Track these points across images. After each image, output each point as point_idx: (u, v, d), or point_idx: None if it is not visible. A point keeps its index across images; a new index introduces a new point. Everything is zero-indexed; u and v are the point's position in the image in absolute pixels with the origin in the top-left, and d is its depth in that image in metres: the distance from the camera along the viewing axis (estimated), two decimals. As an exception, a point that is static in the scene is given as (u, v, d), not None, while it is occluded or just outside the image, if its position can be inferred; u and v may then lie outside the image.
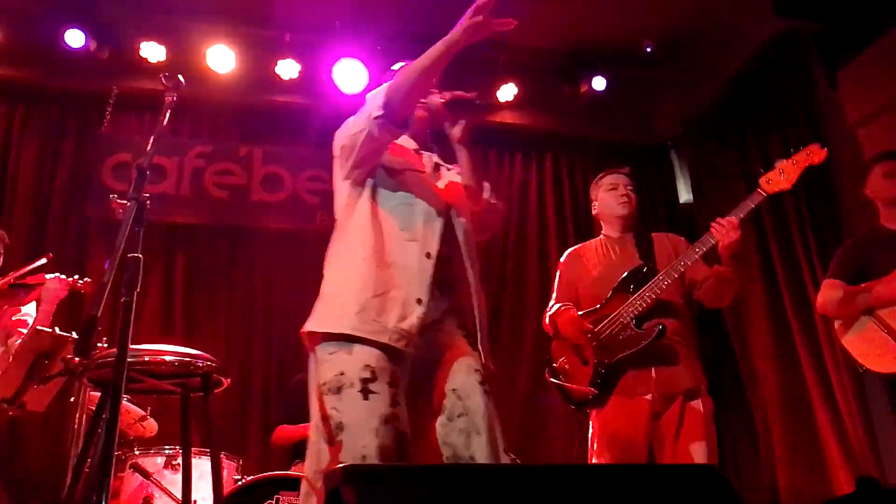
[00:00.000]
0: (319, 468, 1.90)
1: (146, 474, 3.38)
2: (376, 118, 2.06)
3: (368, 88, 2.35)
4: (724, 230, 2.78)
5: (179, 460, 3.30)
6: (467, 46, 1.99)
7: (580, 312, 3.01)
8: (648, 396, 2.83)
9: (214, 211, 5.41)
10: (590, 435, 2.98)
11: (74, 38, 4.95)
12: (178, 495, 3.20)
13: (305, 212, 5.36)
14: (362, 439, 1.84)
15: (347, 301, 2.01)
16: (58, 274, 3.51)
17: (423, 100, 2.26)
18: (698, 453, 2.76)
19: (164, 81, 2.05)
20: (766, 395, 4.92)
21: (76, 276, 3.55)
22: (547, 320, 3.12)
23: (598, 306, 2.99)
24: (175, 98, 2.06)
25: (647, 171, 5.93)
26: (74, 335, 3.15)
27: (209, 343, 4.70)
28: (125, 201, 1.81)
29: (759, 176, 2.87)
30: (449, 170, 2.40)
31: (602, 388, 2.87)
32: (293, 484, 3.28)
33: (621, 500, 1.36)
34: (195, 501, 3.22)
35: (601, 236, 3.25)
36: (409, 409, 1.98)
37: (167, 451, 3.54)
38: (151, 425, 3.74)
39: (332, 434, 1.89)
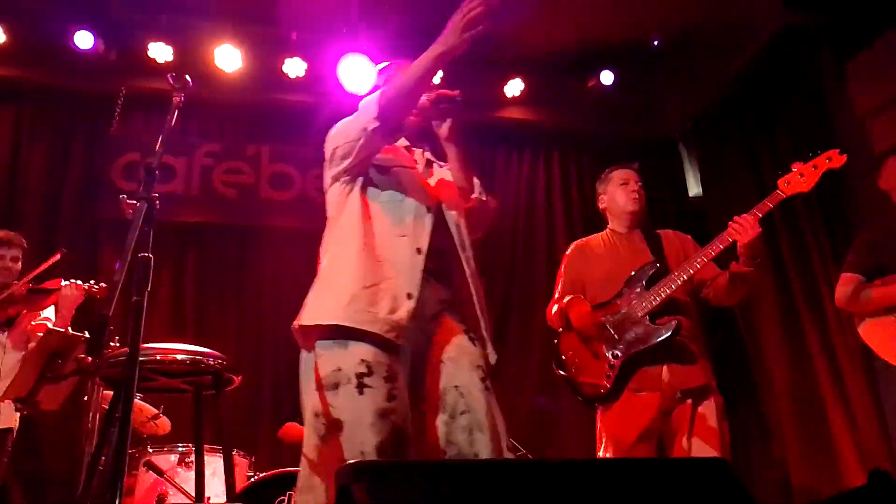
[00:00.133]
0: (317, 464, 1.90)
1: (160, 472, 3.41)
2: (373, 130, 2.06)
3: (375, 86, 2.36)
4: (743, 228, 2.76)
5: (192, 458, 3.33)
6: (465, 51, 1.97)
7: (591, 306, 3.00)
8: (659, 392, 2.82)
9: (223, 210, 5.44)
10: (597, 430, 2.96)
11: (83, 39, 4.99)
12: (192, 492, 3.23)
13: (314, 210, 5.35)
14: (360, 435, 1.84)
15: (338, 293, 2.01)
16: (73, 280, 3.55)
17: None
18: (712, 449, 2.75)
19: (171, 82, 2.06)
20: (777, 390, 4.91)
21: (92, 282, 3.59)
22: (554, 312, 3.08)
23: (609, 300, 2.97)
24: (183, 98, 2.06)
25: (655, 166, 5.90)
26: (87, 335, 3.18)
27: (219, 341, 4.71)
28: (135, 201, 1.82)
29: (776, 177, 2.85)
30: (441, 167, 2.40)
31: (615, 383, 2.85)
32: (305, 481, 3.29)
33: (631, 494, 1.37)
34: (208, 498, 3.25)
35: (607, 231, 3.24)
36: (411, 405, 1.98)
37: (180, 449, 3.56)
38: (164, 423, 3.77)
39: (330, 431, 1.90)
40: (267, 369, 5.05)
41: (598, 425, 2.96)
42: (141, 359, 1.74)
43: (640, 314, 2.87)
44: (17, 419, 3.49)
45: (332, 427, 1.89)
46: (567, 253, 3.25)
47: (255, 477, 3.53)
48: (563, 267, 3.22)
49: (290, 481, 3.37)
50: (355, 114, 2.15)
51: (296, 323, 2.06)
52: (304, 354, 2.06)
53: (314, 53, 5.24)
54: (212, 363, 2.47)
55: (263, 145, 5.56)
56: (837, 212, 4.61)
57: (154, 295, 1.74)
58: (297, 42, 5.26)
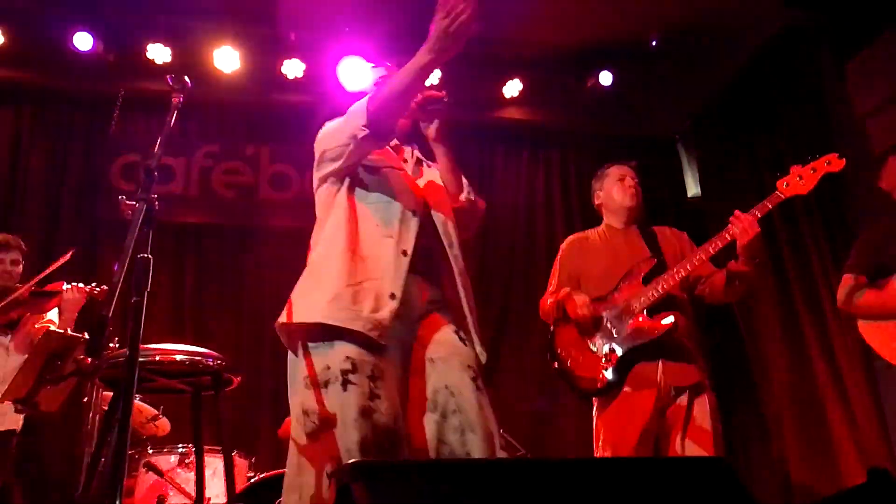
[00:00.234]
0: (304, 462, 1.90)
1: (160, 472, 3.41)
2: (363, 138, 2.06)
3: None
4: (742, 227, 2.76)
5: (192, 458, 3.33)
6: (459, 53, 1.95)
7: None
8: (654, 390, 2.82)
9: (223, 210, 5.44)
10: (593, 429, 2.96)
11: (82, 40, 4.99)
12: (192, 493, 3.23)
13: (313, 210, 5.34)
14: (345, 433, 1.85)
15: (321, 291, 2.01)
16: (75, 283, 3.56)
17: None
18: (705, 449, 2.76)
19: (170, 82, 2.06)
20: (776, 390, 4.91)
21: (93, 284, 3.61)
22: (549, 304, 3.07)
23: (606, 294, 2.97)
24: (182, 99, 2.06)
25: (654, 166, 5.90)
26: (86, 336, 3.18)
27: (219, 342, 4.71)
28: (134, 202, 1.82)
29: (774, 179, 2.85)
30: (430, 167, 2.40)
31: (612, 377, 2.84)
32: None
33: (630, 493, 1.37)
34: (209, 499, 3.25)
35: (603, 226, 3.24)
36: (402, 404, 1.98)
37: (180, 450, 3.56)
38: (164, 424, 3.77)
39: (321, 428, 1.90)
40: (266, 370, 5.04)
41: (595, 426, 2.95)
42: (140, 359, 1.73)
43: (637, 309, 2.87)
44: (21, 421, 3.50)
45: (323, 424, 1.89)
46: (563, 247, 3.25)
47: (256, 477, 3.53)
48: (558, 260, 3.21)
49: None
50: (344, 117, 2.14)
51: (279, 321, 2.06)
52: (291, 355, 2.06)
53: (313, 54, 5.24)
54: (211, 364, 2.47)
55: (262, 146, 5.56)
56: (837, 211, 4.61)
57: (153, 296, 1.74)
58: (296, 42, 5.26)
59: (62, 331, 3.39)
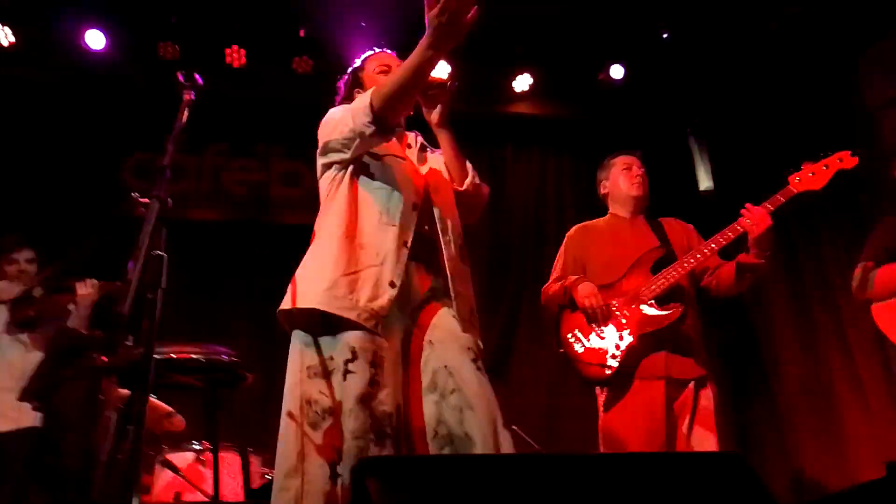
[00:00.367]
0: (302, 451, 1.90)
1: (176, 470, 3.43)
2: (370, 135, 2.06)
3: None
4: (754, 220, 2.74)
5: (208, 455, 3.35)
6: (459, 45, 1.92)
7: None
8: (662, 382, 2.80)
9: (234, 207, 5.46)
10: (600, 425, 2.91)
11: (95, 38, 5.01)
12: (208, 489, 3.25)
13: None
14: (345, 421, 1.87)
15: (318, 278, 2.02)
16: (87, 279, 3.58)
17: None
18: (710, 442, 2.75)
19: (181, 80, 2.07)
20: (789, 383, 4.89)
21: (106, 280, 3.62)
22: (554, 290, 3.03)
23: (613, 282, 2.95)
24: (193, 96, 2.07)
25: (666, 159, 5.88)
26: (100, 333, 3.20)
27: (231, 339, 4.73)
28: (147, 200, 1.83)
29: (787, 171, 2.84)
30: (433, 152, 2.40)
31: (620, 366, 2.81)
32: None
33: (647, 488, 1.36)
34: (225, 496, 3.27)
35: (609, 215, 3.22)
36: (403, 390, 1.99)
37: (196, 447, 3.58)
38: (179, 421, 3.79)
39: (319, 418, 1.91)
40: (279, 366, 5.03)
41: (602, 422, 2.90)
42: (156, 357, 1.75)
43: (646, 298, 2.86)
44: (40, 418, 3.52)
45: (325, 414, 1.91)
46: (569, 234, 3.23)
47: (271, 474, 3.54)
48: (564, 247, 3.20)
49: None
50: (349, 112, 2.11)
51: (280, 307, 2.07)
52: (292, 343, 2.07)
53: (322, 50, 5.24)
54: (225, 360, 2.49)
55: (273, 143, 5.57)
56: (849, 202, 4.57)
57: (166, 293, 1.75)
58: (306, 39, 5.26)
59: (77, 328, 3.41)
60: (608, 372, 2.82)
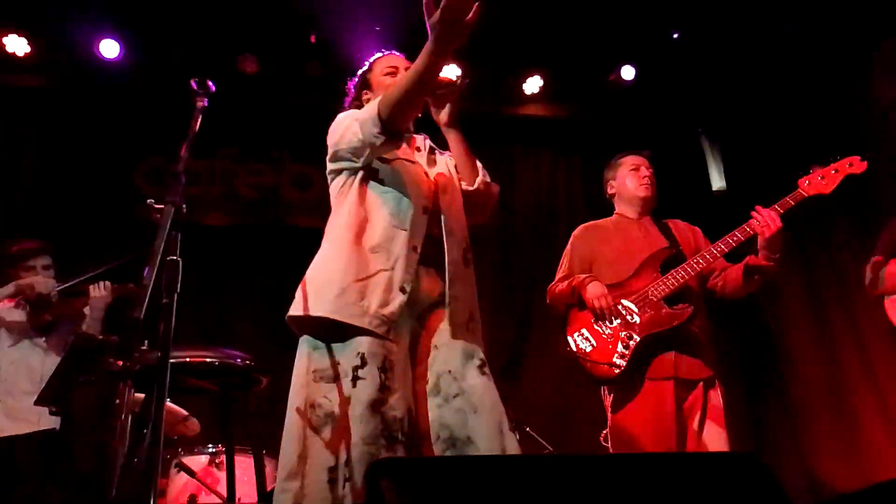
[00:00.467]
0: (303, 453, 1.91)
1: (191, 473, 3.45)
2: (381, 143, 2.06)
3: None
4: (765, 222, 2.73)
5: (223, 458, 3.36)
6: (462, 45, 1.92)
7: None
8: (671, 383, 2.79)
9: (246, 211, 5.49)
10: (609, 425, 2.90)
11: (109, 48, 5.06)
12: (223, 492, 3.26)
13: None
14: (354, 427, 1.87)
15: (329, 284, 2.03)
16: (101, 281, 3.61)
17: None
18: (722, 439, 2.75)
19: (194, 86, 2.08)
20: (805, 382, 4.86)
21: (120, 283, 3.65)
22: (562, 288, 3.01)
23: (621, 282, 2.94)
24: (206, 102, 2.09)
25: (677, 160, 5.85)
26: (116, 338, 3.22)
27: (243, 342, 4.76)
28: (162, 205, 1.84)
29: (796, 175, 2.84)
30: (442, 154, 2.40)
31: (629, 365, 2.80)
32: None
33: (662, 488, 1.36)
34: (239, 499, 3.28)
35: (616, 215, 3.22)
36: (413, 393, 2.00)
37: (211, 450, 3.60)
38: (194, 425, 3.81)
39: (322, 422, 1.91)
40: (291, 370, 5.07)
41: (611, 423, 2.89)
42: (171, 361, 1.76)
43: (656, 298, 2.85)
44: (58, 421, 3.55)
45: (329, 419, 1.91)
46: (575, 233, 3.23)
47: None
48: (570, 246, 3.19)
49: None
50: (358, 120, 2.11)
51: (289, 313, 2.09)
52: (300, 346, 2.08)
53: (333, 54, 5.26)
54: (240, 364, 2.50)
55: (285, 146, 5.60)
56: (861, 198, 4.54)
57: (180, 297, 1.77)
58: (317, 43, 5.29)
59: (92, 333, 3.44)
60: (616, 371, 2.82)
